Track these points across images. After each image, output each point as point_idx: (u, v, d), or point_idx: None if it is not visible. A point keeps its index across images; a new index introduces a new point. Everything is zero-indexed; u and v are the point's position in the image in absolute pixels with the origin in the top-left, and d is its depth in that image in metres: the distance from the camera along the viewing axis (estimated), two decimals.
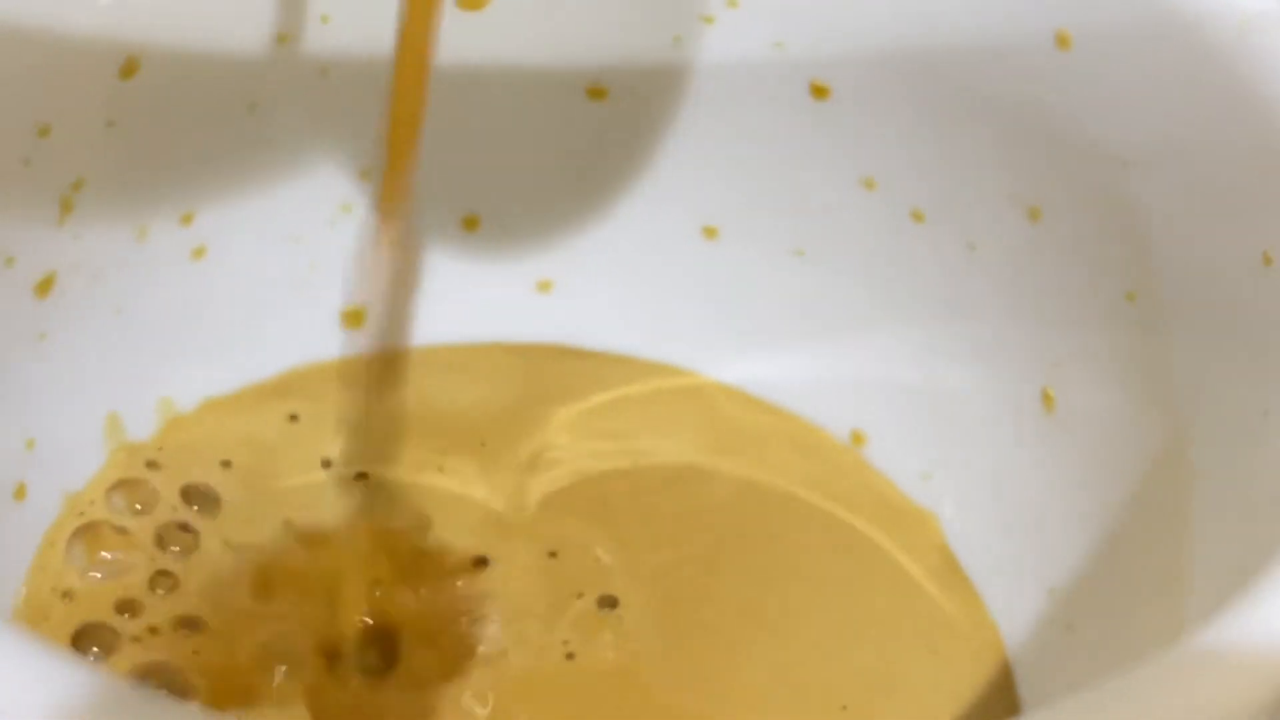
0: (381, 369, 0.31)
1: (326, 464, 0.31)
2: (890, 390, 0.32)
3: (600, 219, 0.33)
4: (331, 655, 0.28)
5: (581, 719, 0.28)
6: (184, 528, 0.30)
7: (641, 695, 0.29)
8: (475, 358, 0.33)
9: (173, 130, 0.29)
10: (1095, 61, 0.27)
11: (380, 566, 0.29)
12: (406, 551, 0.30)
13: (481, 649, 0.29)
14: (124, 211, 0.29)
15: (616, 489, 0.32)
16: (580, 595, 0.30)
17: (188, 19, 0.28)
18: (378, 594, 0.29)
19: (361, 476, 0.31)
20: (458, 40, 0.27)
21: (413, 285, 0.30)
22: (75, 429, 0.30)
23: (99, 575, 0.29)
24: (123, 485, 0.30)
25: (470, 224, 0.33)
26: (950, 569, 0.31)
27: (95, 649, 0.28)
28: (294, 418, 0.32)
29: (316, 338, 0.32)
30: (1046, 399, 0.30)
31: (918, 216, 0.31)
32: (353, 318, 0.32)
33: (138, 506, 0.30)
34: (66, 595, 0.29)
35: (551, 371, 0.33)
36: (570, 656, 0.29)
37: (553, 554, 0.31)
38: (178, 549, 0.30)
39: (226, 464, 0.31)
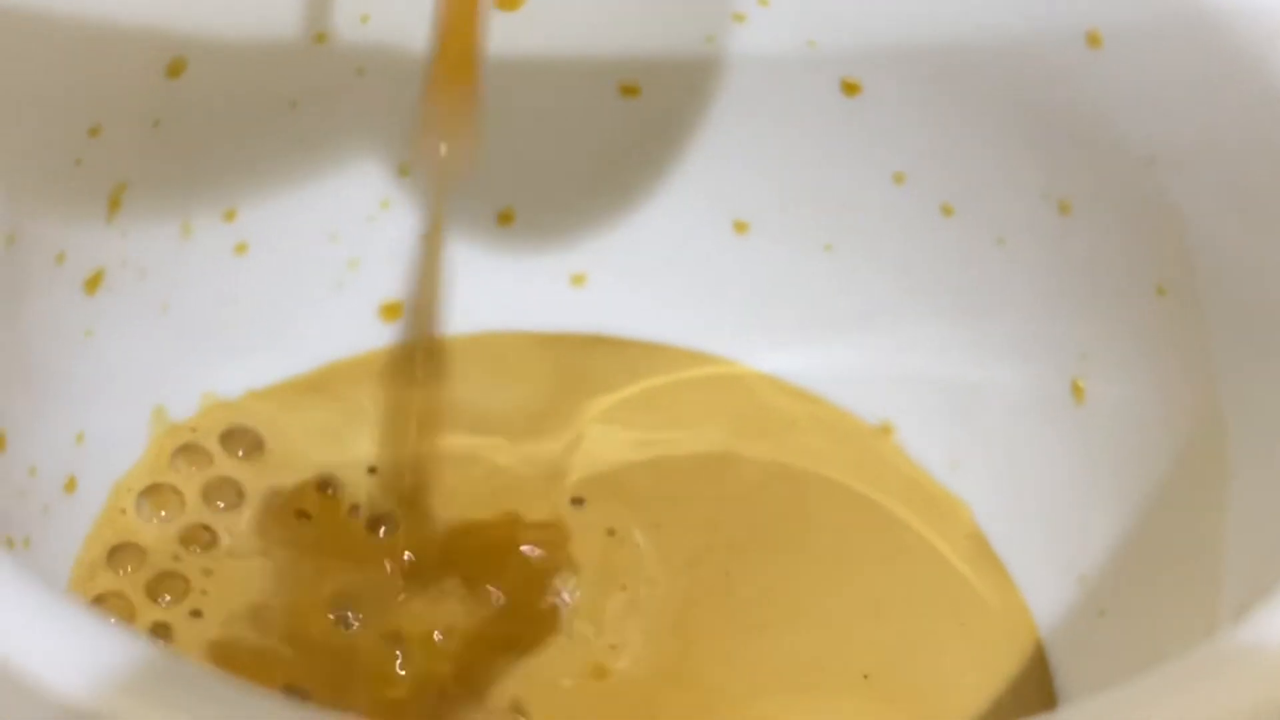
0: (419, 361, 0.32)
1: (364, 457, 0.32)
2: (920, 381, 0.32)
3: (632, 214, 0.33)
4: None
5: (615, 697, 0.29)
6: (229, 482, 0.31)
7: (672, 675, 0.29)
8: (510, 349, 0.34)
9: (216, 129, 0.29)
10: (1126, 60, 0.27)
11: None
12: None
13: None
14: (169, 208, 0.30)
15: (651, 475, 0.32)
16: (614, 579, 0.30)
17: (232, 19, 0.28)
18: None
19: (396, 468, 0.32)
20: (492, 39, 0.27)
21: (446, 279, 0.30)
22: (123, 422, 0.30)
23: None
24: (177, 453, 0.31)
25: (505, 218, 0.33)
26: (982, 553, 0.31)
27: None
28: (334, 410, 0.32)
29: (356, 331, 0.33)
30: (1076, 391, 0.30)
31: (947, 210, 0.31)
32: (391, 311, 0.33)
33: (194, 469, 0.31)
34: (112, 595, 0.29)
35: (585, 361, 0.34)
36: (603, 638, 0.30)
37: (592, 538, 0.31)
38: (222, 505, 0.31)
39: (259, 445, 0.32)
